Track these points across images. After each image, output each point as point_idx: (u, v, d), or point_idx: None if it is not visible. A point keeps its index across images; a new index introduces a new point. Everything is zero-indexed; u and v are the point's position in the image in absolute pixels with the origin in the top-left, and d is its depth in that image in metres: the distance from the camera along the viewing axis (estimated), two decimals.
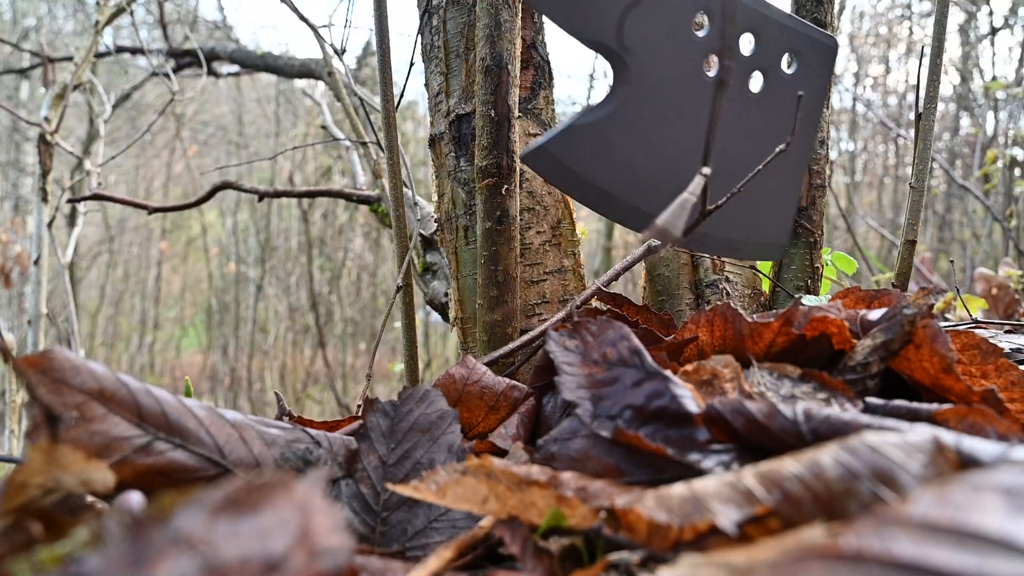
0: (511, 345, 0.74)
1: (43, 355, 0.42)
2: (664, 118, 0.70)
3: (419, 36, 0.99)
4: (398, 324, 1.00)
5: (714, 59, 0.70)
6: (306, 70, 3.19)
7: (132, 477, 0.42)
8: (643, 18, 0.66)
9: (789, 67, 0.73)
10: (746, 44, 0.71)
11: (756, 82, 0.73)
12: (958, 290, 1.10)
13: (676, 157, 0.72)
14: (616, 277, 0.87)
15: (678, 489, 0.34)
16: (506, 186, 0.78)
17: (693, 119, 0.71)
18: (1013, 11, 5.61)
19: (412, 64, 1.06)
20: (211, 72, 3.73)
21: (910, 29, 7.20)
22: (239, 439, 0.47)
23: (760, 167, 0.65)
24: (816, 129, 0.77)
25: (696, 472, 0.39)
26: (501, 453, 0.56)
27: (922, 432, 0.33)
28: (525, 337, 0.74)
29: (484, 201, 0.78)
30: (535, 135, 0.94)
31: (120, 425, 0.43)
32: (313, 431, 0.51)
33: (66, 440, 0.41)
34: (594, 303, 0.83)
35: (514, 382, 0.64)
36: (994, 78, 5.56)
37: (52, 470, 0.34)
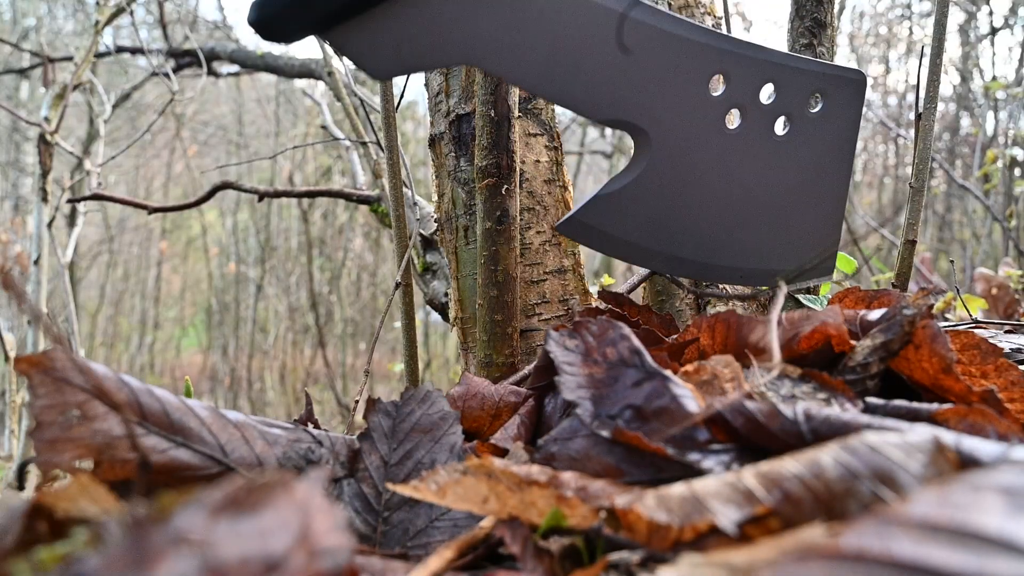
0: (523, 372, 0.75)
1: (45, 355, 0.42)
2: (690, 173, 0.73)
3: None
4: (398, 324, 1.00)
5: (735, 112, 0.72)
6: (306, 70, 3.19)
7: (134, 475, 0.42)
8: (657, 93, 0.68)
9: (815, 107, 0.74)
10: (766, 93, 0.71)
11: (781, 125, 0.74)
12: (958, 290, 1.10)
13: (707, 204, 0.75)
14: (632, 289, 0.87)
15: (678, 489, 0.34)
16: (506, 186, 0.78)
17: (720, 169, 0.73)
18: (1013, 11, 5.61)
19: None
20: (211, 72, 3.73)
21: (910, 29, 7.20)
22: (241, 438, 0.47)
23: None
24: (852, 157, 0.78)
25: (696, 472, 0.39)
26: (502, 453, 0.56)
27: (922, 432, 0.33)
28: (531, 367, 0.75)
29: (484, 201, 0.78)
30: (535, 135, 0.94)
31: (122, 424, 0.43)
32: (315, 431, 0.51)
33: (68, 439, 0.41)
34: (594, 303, 0.83)
35: (513, 387, 0.65)
36: (994, 78, 5.56)
37: (83, 502, 0.34)
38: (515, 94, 0.82)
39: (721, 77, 0.69)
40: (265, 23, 0.54)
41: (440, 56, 0.59)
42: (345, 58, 0.58)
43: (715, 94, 0.69)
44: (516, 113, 0.82)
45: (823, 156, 0.77)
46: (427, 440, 0.50)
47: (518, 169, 0.82)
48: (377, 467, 0.48)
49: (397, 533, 0.45)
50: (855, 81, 0.75)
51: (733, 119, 0.72)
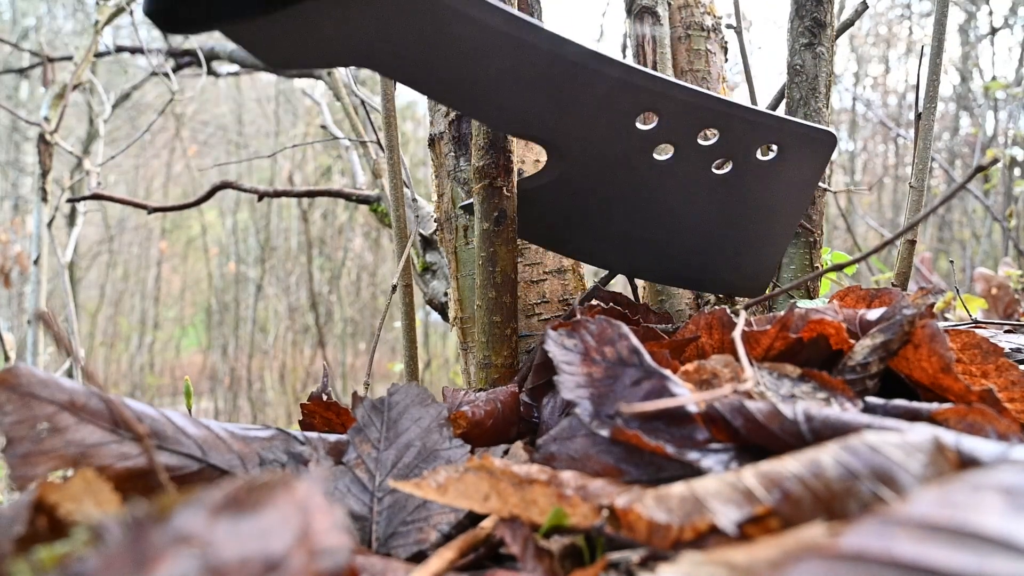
0: (524, 369, 0.75)
1: (9, 371, 0.42)
2: (609, 190, 0.77)
3: None
4: (398, 324, 0.99)
5: (668, 146, 0.74)
6: (306, 70, 3.19)
7: (115, 481, 0.42)
8: (575, 121, 0.70)
9: (766, 156, 0.74)
10: (707, 136, 0.74)
11: (720, 165, 0.76)
12: (958, 290, 1.10)
13: (630, 217, 0.79)
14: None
15: (678, 489, 0.34)
16: (504, 186, 0.78)
17: (646, 191, 0.77)
18: (1013, 11, 5.61)
19: None
20: (211, 72, 3.73)
21: (910, 29, 7.20)
22: (216, 439, 0.48)
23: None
24: (808, 200, 0.80)
25: (696, 471, 0.39)
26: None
27: (922, 432, 0.33)
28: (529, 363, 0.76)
29: (482, 201, 0.78)
30: None
31: (95, 433, 0.43)
32: (290, 430, 0.52)
33: (41, 452, 0.41)
34: (594, 301, 0.83)
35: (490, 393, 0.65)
36: (994, 78, 5.56)
37: (87, 501, 0.34)
38: None
39: (653, 115, 0.71)
40: (159, 14, 0.51)
41: (340, 59, 0.60)
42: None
43: (644, 128, 0.71)
44: None
45: (770, 199, 0.79)
46: (414, 424, 0.52)
47: (516, 169, 0.82)
48: (369, 453, 0.49)
49: (395, 511, 0.45)
50: (821, 141, 0.75)
51: (666, 151, 0.74)
